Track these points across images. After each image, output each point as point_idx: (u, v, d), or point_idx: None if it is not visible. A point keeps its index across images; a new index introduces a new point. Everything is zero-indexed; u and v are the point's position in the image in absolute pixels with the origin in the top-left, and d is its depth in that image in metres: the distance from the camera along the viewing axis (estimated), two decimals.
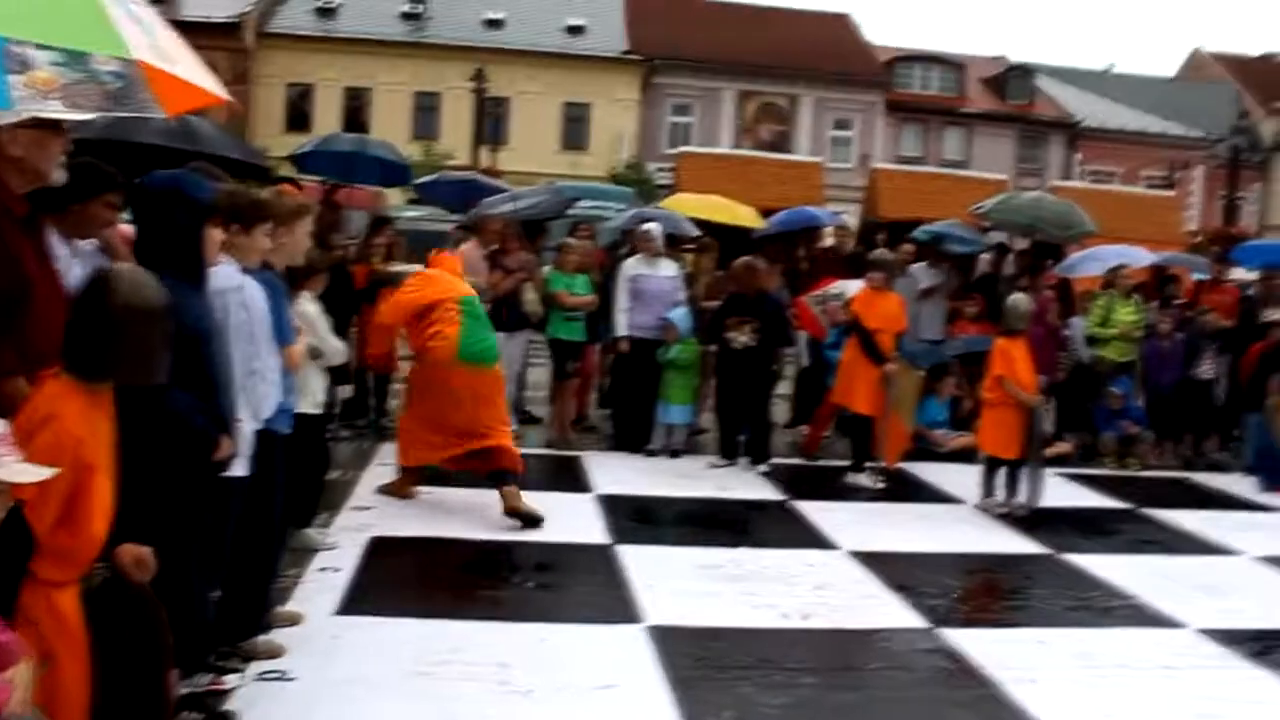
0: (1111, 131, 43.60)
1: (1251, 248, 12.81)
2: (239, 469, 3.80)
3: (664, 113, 39.48)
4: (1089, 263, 10.87)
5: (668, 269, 8.97)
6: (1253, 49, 53.09)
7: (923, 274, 10.38)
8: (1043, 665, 4.74)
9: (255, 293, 3.75)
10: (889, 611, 5.37)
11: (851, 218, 19.95)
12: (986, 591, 6.24)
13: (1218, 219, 43.67)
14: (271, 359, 3.86)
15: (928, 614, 5.31)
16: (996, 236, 11.77)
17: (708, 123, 39.46)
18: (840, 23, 44.37)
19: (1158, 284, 11.05)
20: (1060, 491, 8.50)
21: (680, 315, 8.73)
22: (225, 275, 3.61)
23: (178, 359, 2.94)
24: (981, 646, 4.88)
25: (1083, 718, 4.25)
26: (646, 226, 9.11)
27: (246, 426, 3.80)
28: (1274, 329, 9.63)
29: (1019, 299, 7.81)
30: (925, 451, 9.26)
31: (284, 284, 4.34)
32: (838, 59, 41.25)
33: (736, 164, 20.04)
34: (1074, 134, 43.19)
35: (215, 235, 3.65)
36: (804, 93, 40.50)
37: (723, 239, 10.45)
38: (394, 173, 11.25)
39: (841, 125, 40.92)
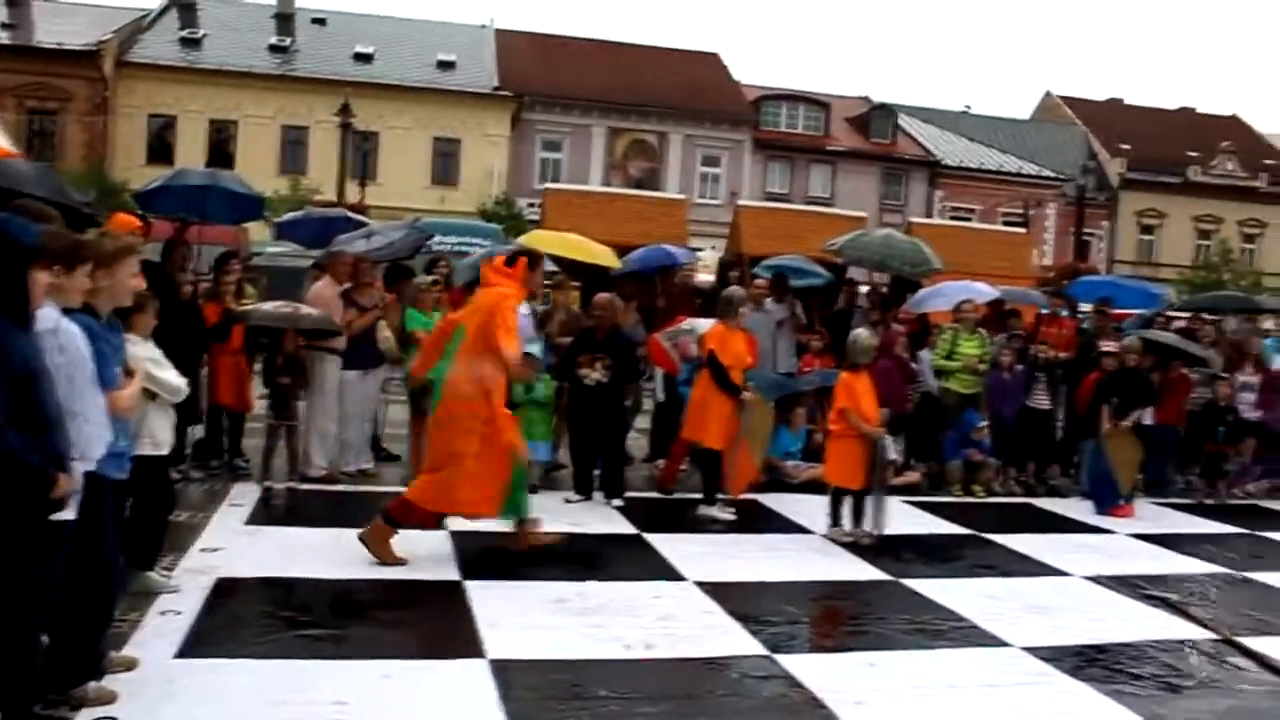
0: (970, 170, 45.18)
1: (1086, 283, 13.41)
2: (68, 512, 3.74)
3: (534, 149, 39.70)
4: (936, 298, 11.28)
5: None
6: (1099, 94, 55.44)
7: (776, 309, 10.67)
8: (873, 687, 4.90)
9: (72, 335, 3.72)
10: (730, 640, 5.49)
11: (719, 254, 20.35)
12: (827, 618, 6.41)
13: (1070, 255, 45.54)
14: (94, 401, 3.82)
15: (768, 641, 5.45)
16: (857, 273, 12.16)
17: (578, 159, 39.80)
18: (709, 62, 45.25)
19: (999, 318, 11.50)
20: (908, 519, 8.81)
21: (537, 351, 8.79)
22: (41, 318, 3.57)
23: (9, 400, 2.92)
24: (817, 671, 5.03)
25: None
26: None
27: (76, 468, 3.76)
28: (1106, 360, 10.12)
29: (860, 334, 8.09)
30: (778, 483, 9.49)
31: (115, 325, 4.29)
32: (707, 97, 42.02)
33: (601, 201, 20.24)
34: (935, 172, 44.62)
35: (41, 277, 3.62)
36: (673, 130, 41.12)
37: (585, 276, 10.58)
38: (247, 207, 11.10)
39: (710, 162, 41.62)
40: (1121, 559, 7.96)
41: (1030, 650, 5.58)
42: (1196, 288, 39.63)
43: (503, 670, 4.79)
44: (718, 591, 6.28)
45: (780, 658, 5.22)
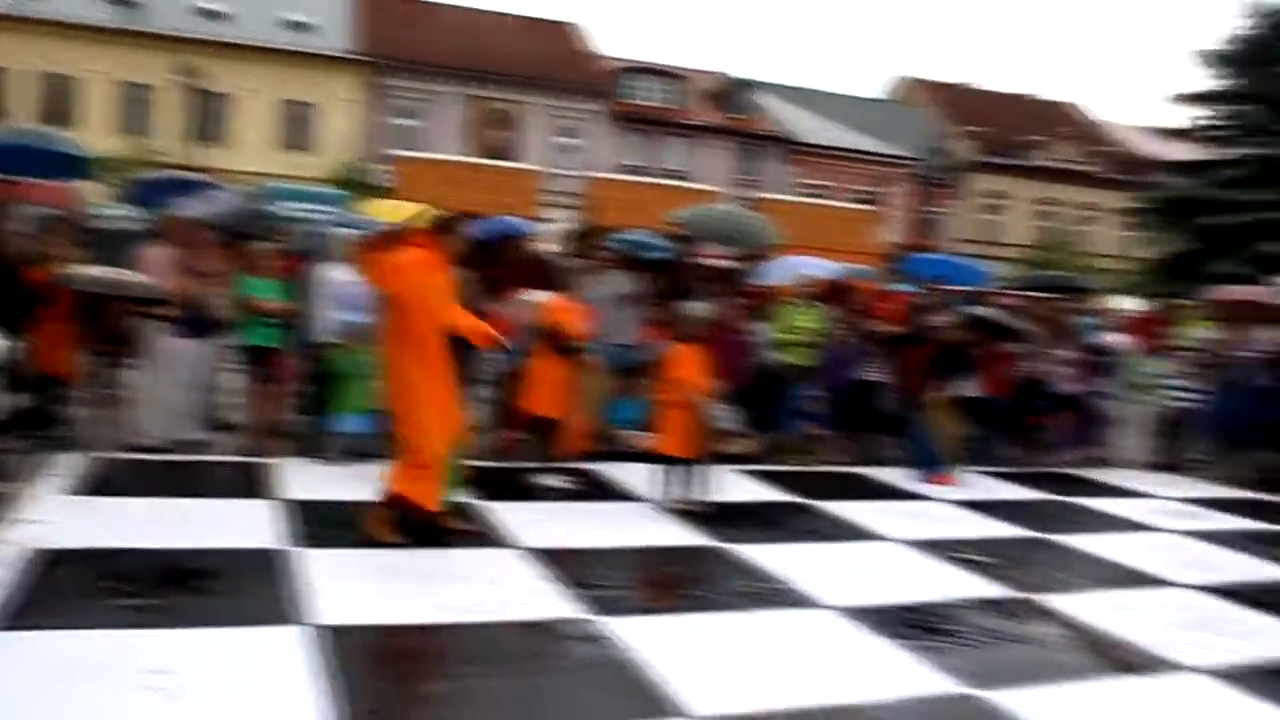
0: (824, 148, 46.05)
1: (921, 260, 13.85)
2: None
3: (389, 115, 39.05)
4: (778, 272, 11.57)
5: (348, 274, 8.95)
6: (951, 77, 57.09)
7: (621, 281, 10.80)
8: (695, 648, 5.09)
9: None
10: (555, 604, 5.62)
11: (573, 225, 20.41)
12: (652, 583, 6.59)
13: (918, 233, 46.87)
14: None
15: (592, 605, 5.59)
16: (717, 247, 12.35)
17: (435, 127, 39.32)
18: (568, 32, 45.13)
19: (838, 293, 11.84)
20: (741, 487, 9.07)
21: (359, 321, 8.59)
22: None
23: None
24: (641, 633, 5.19)
25: (719, 692, 4.59)
26: (342, 232, 9.10)
27: None
28: (935, 334, 10.53)
29: (692, 307, 8.28)
30: (619, 453, 9.64)
31: None
32: (565, 68, 41.94)
33: (453, 170, 20.13)
34: (789, 149, 45.35)
35: None
36: (530, 100, 40.92)
37: None
38: (73, 166, 10.73)
39: (567, 133, 41.56)
40: (939, 524, 8.34)
41: (845, 611, 5.84)
42: (1035, 268, 41.24)
43: (329, 636, 4.83)
44: (549, 557, 6.40)
45: (603, 620, 5.37)
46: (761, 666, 4.93)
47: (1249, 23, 28.08)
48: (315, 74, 37.82)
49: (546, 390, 8.53)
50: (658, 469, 8.22)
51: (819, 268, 11.57)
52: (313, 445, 8.85)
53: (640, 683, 4.64)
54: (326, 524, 6.76)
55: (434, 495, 6.41)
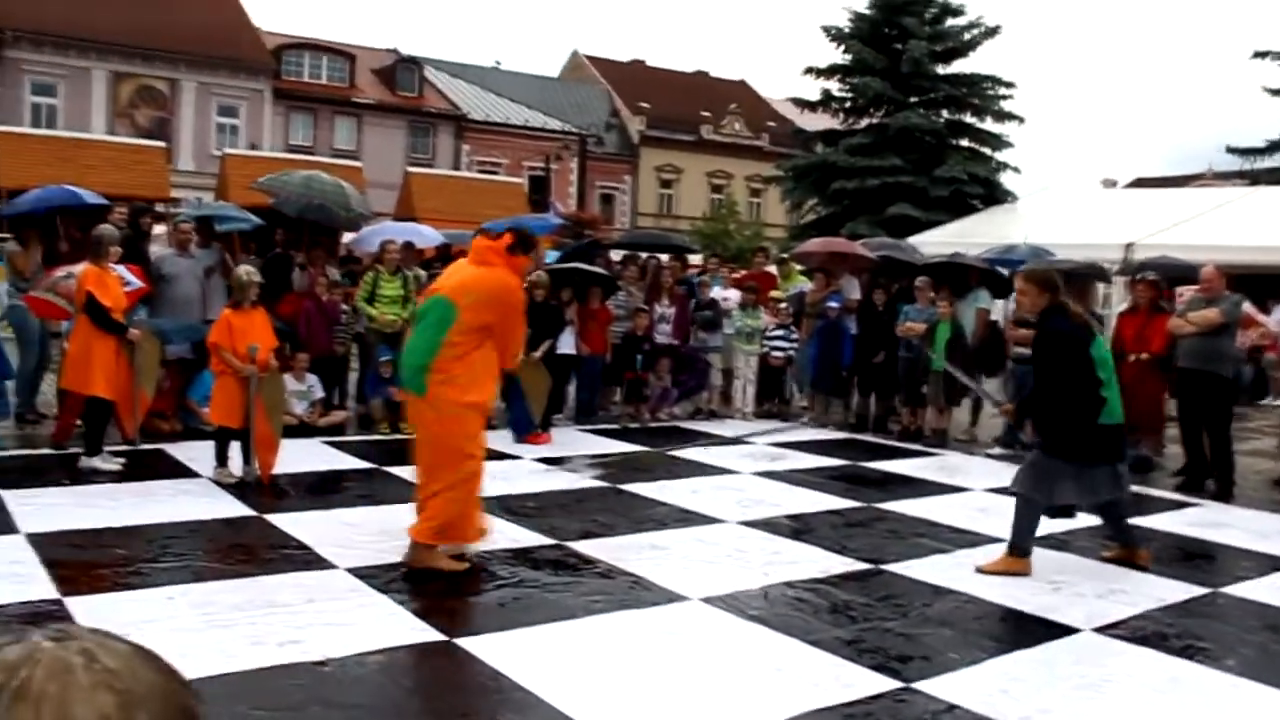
0: (497, 124, 46.02)
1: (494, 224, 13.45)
2: None
3: (23, 91, 36.08)
4: (375, 238, 11.30)
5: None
6: (623, 55, 58.16)
7: (202, 255, 10.30)
8: (168, 623, 4.80)
9: None
10: (23, 587, 5.19)
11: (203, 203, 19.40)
12: (147, 559, 6.14)
13: (596, 207, 47.64)
14: None
15: (61, 586, 5.21)
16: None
17: (76, 105, 36.64)
18: (226, 5, 42.94)
19: (446, 259, 11.69)
20: (318, 458, 8.83)
21: None
22: None
23: None
24: (97, 611, 4.87)
25: (204, 653, 4.31)
26: None
27: None
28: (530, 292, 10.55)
29: (244, 272, 7.93)
30: (196, 431, 9.18)
31: None
32: (223, 43, 39.94)
33: (65, 147, 18.72)
34: (462, 126, 45.05)
35: None
36: (185, 77, 38.83)
37: None
38: None
39: (228, 112, 39.73)
40: (511, 483, 8.30)
41: (352, 571, 5.70)
42: (707, 238, 42.77)
43: None
44: (50, 541, 5.94)
45: (73, 600, 5.00)
46: (269, 628, 4.70)
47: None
48: None
49: (95, 368, 7.92)
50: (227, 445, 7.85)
51: (425, 235, 11.38)
52: None
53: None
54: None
55: None
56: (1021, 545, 6.26)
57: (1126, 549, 6.65)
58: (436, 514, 5.83)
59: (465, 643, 4.69)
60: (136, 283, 8.85)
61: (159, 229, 12.81)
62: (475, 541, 6.07)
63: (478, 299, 5.80)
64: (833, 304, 12.38)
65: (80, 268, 8.08)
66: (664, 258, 13.77)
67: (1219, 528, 7.95)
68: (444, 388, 5.74)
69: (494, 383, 6.11)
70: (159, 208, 17.27)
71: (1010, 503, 6.45)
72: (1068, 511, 6.45)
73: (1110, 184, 42.39)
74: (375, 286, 10.29)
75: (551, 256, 16.77)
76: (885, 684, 4.43)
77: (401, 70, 44.74)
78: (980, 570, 6.24)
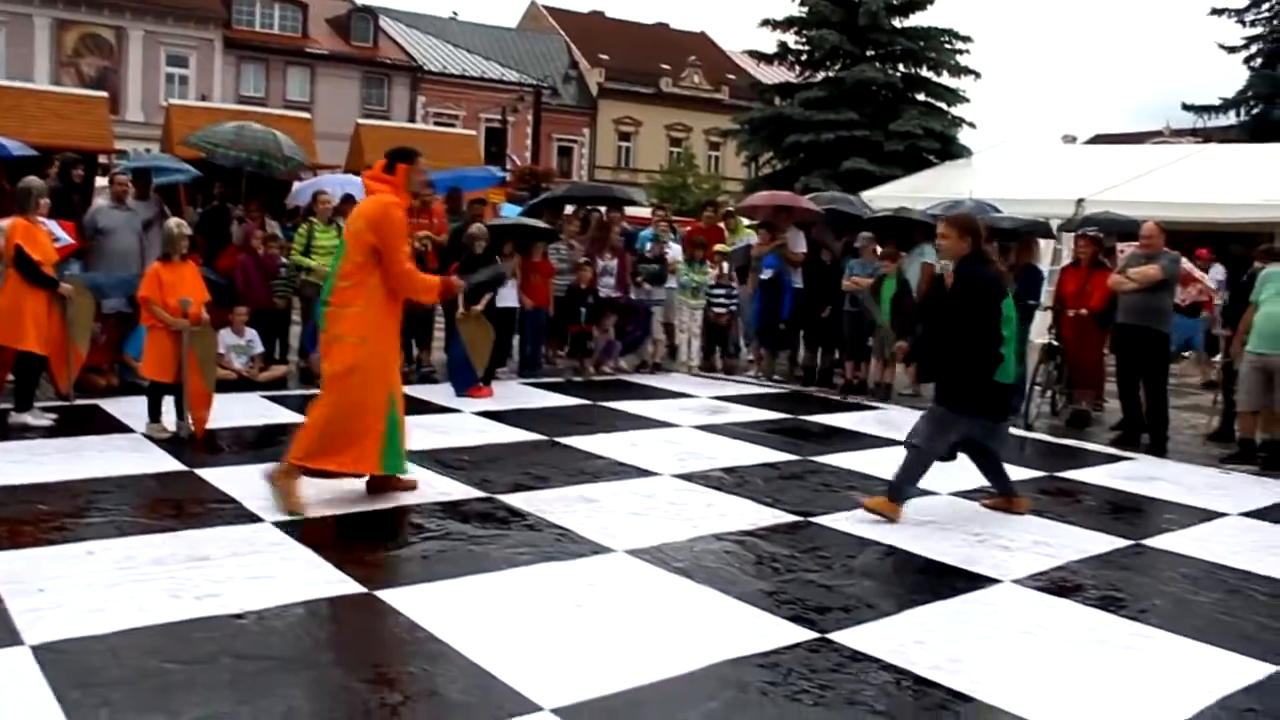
0: (453, 76, 45.57)
1: (438, 177, 13.27)
2: None
3: None
4: (308, 191, 11.18)
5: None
6: (582, 6, 57.59)
7: (140, 208, 10.16)
8: (67, 572, 4.76)
9: None
10: None
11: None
12: (71, 514, 6.04)
13: (554, 160, 47.35)
14: None
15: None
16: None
17: (18, 53, 35.93)
18: None
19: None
20: (255, 412, 8.79)
21: None
22: None
23: None
24: (7, 563, 4.82)
25: (119, 606, 4.28)
26: None
27: None
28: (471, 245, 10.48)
29: (173, 224, 7.83)
30: (131, 386, 9.08)
31: None
32: None
33: (6, 95, 18.27)
34: (417, 77, 44.55)
35: None
36: (132, 25, 38.12)
37: None
38: None
39: (177, 62, 39.11)
40: (448, 435, 8.30)
41: (279, 525, 5.67)
42: (666, 191, 42.65)
43: None
44: None
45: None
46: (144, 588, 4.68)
47: None
48: None
49: (27, 322, 7.79)
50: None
51: (357, 187, 11.23)
52: None
53: None
54: None
55: None
56: (901, 492, 6.37)
57: (1005, 498, 6.78)
58: (305, 435, 6.02)
59: (385, 594, 4.69)
60: (66, 238, 8.70)
61: (101, 181, 12.67)
62: (349, 472, 6.12)
63: (356, 225, 6.05)
64: (767, 270, 12.28)
65: (8, 222, 7.93)
66: (604, 210, 13.69)
67: (1150, 481, 8.08)
68: (339, 322, 5.97)
69: (392, 318, 6.15)
70: (102, 159, 17.00)
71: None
72: (948, 455, 6.52)
73: (1070, 140, 42.61)
74: (310, 239, 10.19)
75: (510, 210, 16.79)
76: (801, 634, 4.47)
77: (356, 20, 44.14)
78: (863, 506, 6.41)
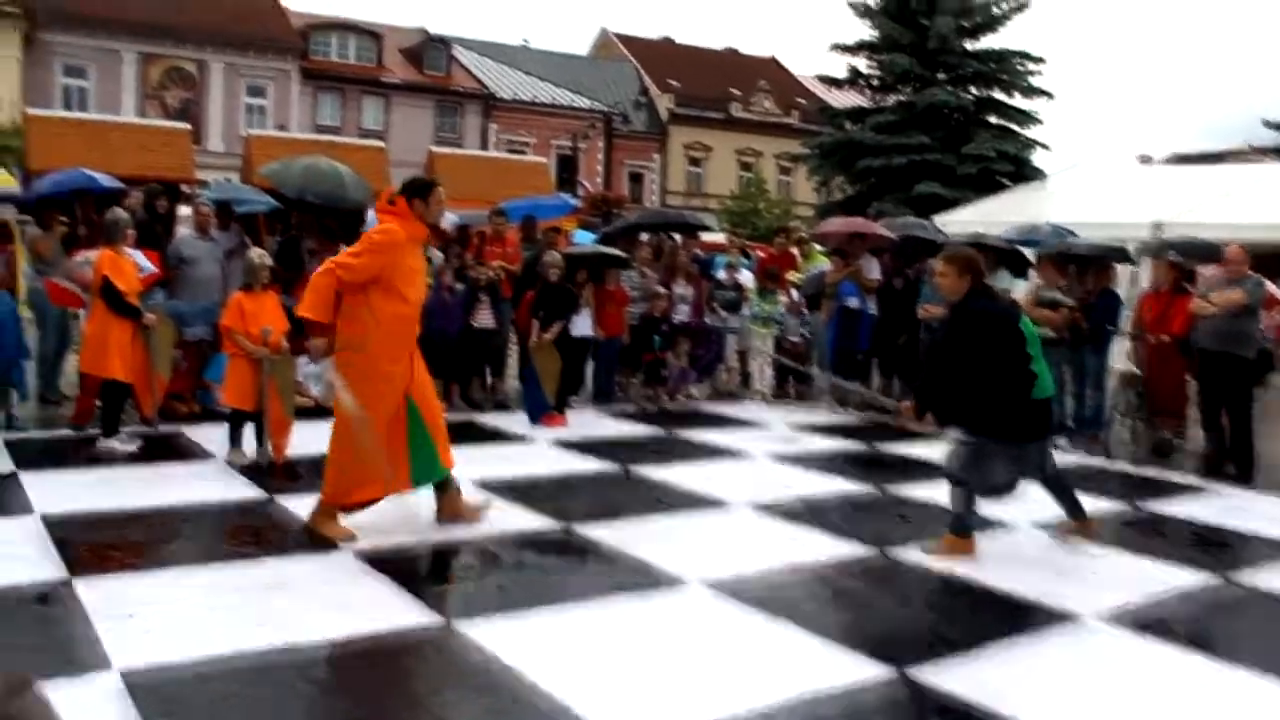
0: (525, 103, 46.01)
1: (511, 206, 13.42)
2: None
3: (54, 74, 36.36)
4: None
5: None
6: (652, 33, 57.98)
7: (222, 238, 10.38)
8: (166, 602, 4.86)
9: None
10: (33, 568, 5.26)
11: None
12: (154, 541, 6.16)
13: (625, 186, 47.57)
14: None
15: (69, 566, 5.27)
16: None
17: (107, 87, 36.94)
18: None
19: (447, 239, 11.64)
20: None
21: None
22: None
23: None
24: (100, 589, 4.93)
25: (204, 634, 4.36)
26: None
27: None
28: (541, 275, 10.55)
29: (255, 255, 7.98)
30: (212, 412, 9.24)
31: None
32: (251, 23, 40.17)
33: (95, 130, 18.85)
34: (489, 105, 45.05)
35: None
36: (214, 58, 39.04)
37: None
38: None
39: (256, 93, 39.93)
40: (522, 465, 8.32)
41: (359, 554, 5.73)
42: (737, 216, 42.65)
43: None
44: (63, 522, 6.02)
45: (80, 580, 5.07)
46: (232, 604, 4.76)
47: None
48: None
49: (111, 351, 8.01)
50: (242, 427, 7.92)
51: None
52: None
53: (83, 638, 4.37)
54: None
55: None
56: (962, 526, 6.21)
57: (1078, 522, 6.57)
58: (328, 473, 6.09)
59: (463, 625, 4.72)
60: (150, 267, 8.91)
61: (184, 210, 12.93)
62: (380, 496, 6.10)
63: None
64: (852, 301, 12.21)
65: (96, 253, 8.16)
66: (678, 237, 13.71)
67: (1237, 512, 7.87)
68: (340, 351, 6.02)
69: (400, 326, 6.05)
70: (185, 190, 17.38)
71: (1025, 486, 6.40)
72: (999, 490, 6.32)
73: (1146, 160, 41.87)
74: None
75: (583, 237, 16.88)
76: (880, 671, 4.42)
77: (429, 49, 44.78)
78: (927, 552, 6.19)
